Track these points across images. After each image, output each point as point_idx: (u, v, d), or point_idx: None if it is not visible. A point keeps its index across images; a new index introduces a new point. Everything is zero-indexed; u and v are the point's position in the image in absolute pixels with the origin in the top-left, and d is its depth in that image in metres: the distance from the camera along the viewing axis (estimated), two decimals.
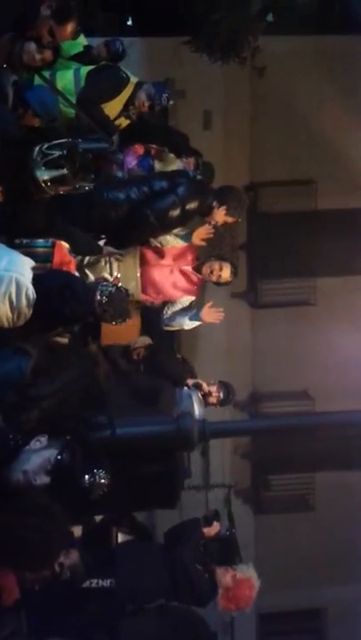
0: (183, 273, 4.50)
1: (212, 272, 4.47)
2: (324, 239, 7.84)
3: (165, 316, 4.64)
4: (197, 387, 4.49)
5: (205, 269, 4.51)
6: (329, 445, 7.07)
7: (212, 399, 4.56)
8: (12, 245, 2.98)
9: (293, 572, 7.93)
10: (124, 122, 4.86)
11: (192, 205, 4.19)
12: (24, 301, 2.64)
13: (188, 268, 4.52)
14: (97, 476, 2.33)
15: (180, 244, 4.51)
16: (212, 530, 4.16)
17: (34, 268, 2.78)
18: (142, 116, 4.89)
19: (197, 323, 4.73)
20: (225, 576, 3.90)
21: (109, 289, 3.38)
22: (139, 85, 4.71)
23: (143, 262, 4.36)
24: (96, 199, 4.07)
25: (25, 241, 3.31)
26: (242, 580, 3.93)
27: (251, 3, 6.06)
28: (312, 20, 7.24)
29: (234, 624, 7.43)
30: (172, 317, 4.65)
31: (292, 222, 7.92)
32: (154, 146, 5.13)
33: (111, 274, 4.16)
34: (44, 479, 2.21)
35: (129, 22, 8.20)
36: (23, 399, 2.60)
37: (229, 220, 4.46)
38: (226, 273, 4.51)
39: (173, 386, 4.33)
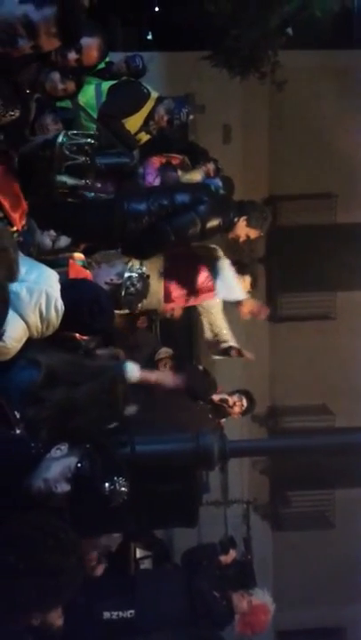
0: (202, 290, 4.47)
1: None
2: (344, 253, 7.80)
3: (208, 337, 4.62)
4: (224, 402, 4.48)
5: None
6: (350, 462, 6.98)
7: (236, 409, 4.55)
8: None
9: (312, 590, 7.83)
10: (144, 137, 4.87)
11: (213, 224, 4.14)
12: (53, 313, 2.69)
13: (209, 285, 4.49)
14: (117, 484, 2.31)
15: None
16: (229, 558, 4.24)
17: None
18: (162, 131, 4.90)
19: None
20: (241, 602, 4.02)
21: (135, 286, 3.47)
22: (159, 100, 4.72)
23: (168, 299, 4.34)
24: (117, 210, 4.05)
25: (41, 257, 3.33)
26: (258, 606, 4.04)
27: (270, 17, 6.07)
28: (331, 35, 7.23)
29: None
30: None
31: (311, 236, 7.89)
32: (175, 155, 5.11)
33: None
34: (64, 487, 2.21)
35: (149, 37, 8.28)
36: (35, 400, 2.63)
37: (251, 233, 4.34)
38: (245, 283, 4.50)
39: (195, 400, 4.32)
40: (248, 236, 4.34)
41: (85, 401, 2.74)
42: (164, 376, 3.86)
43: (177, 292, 4.37)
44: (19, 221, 2.90)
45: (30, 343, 2.72)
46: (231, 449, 2.92)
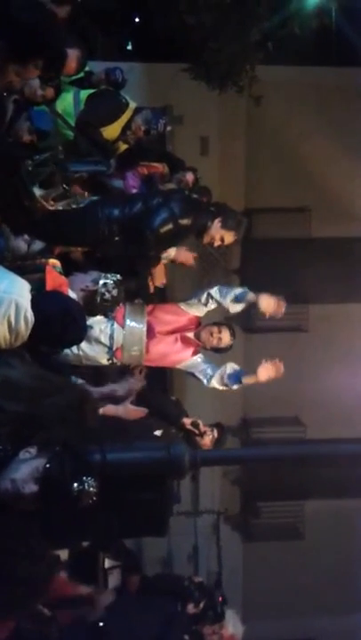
0: (183, 338, 4.40)
1: (211, 334, 4.39)
2: (318, 266, 7.89)
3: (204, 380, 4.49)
4: (195, 426, 4.46)
5: (205, 334, 4.40)
6: (320, 473, 7.03)
7: (207, 438, 4.55)
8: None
9: (282, 602, 7.84)
10: (121, 146, 4.89)
11: (186, 221, 4.07)
12: (22, 324, 2.65)
13: (190, 335, 4.43)
14: (86, 484, 2.27)
15: (198, 311, 4.44)
16: (198, 610, 4.30)
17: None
18: (140, 141, 4.93)
19: (237, 385, 4.51)
20: (212, 637, 4.15)
21: (111, 293, 3.49)
22: (138, 111, 4.76)
23: (150, 335, 4.28)
24: (90, 216, 4.04)
25: (18, 263, 3.31)
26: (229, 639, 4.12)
27: (250, 32, 6.16)
28: (309, 51, 7.36)
29: None
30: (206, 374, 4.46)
31: (285, 249, 7.98)
32: (155, 164, 5.12)
33: (112, 343, 4.14)
34: (32, 488, 2.20)
35: (129, 47, 8.33)
36: None
37: (226, 236, 4.22)
38: (225, 335, 4.42)
39: (168, 425, 4.32)
40: (223, 240, 4.25)
41: (50, 414, 2.72)
42: (128, 411, 3.80)
43: (160, 327, 4.33)
44: None
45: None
46: (202, 458, 2.92)
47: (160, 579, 5.07)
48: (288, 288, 8.00)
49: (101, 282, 3.68)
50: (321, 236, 8.05)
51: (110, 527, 3.17)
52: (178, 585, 4.69)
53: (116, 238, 4.03)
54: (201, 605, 4.38)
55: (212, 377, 4.42)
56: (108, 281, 3.71)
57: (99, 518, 2.77)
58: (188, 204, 4.21)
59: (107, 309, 3.81)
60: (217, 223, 4.19)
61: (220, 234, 4.23)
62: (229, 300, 4.40)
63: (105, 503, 2.55)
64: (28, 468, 2.23)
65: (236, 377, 4.43)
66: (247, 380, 4.43)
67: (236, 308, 4.46)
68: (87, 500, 2.26)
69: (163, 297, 5.56)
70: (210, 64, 6.32)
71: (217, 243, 4.27)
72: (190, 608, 4.33)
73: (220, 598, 4.42)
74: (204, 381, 4.46)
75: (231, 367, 4.47)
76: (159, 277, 4.59)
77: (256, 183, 7.89)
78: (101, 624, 3.82)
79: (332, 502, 7.87)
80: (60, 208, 3.50)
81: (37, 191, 3.17)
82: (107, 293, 3.68)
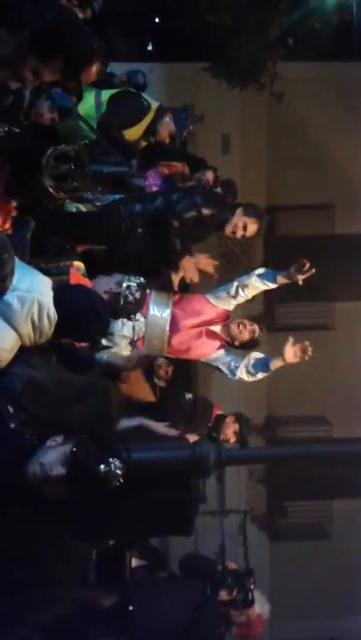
0: (209, 333, 4.33)
1: (244, 327, 4.29)
2: (342, 263, 7.83)
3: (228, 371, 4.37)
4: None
5: (235, 327, 4.29)
6: (347, 472, 6.97)
7: (231, 439, 4.65)
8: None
9: (308, 601, 7.80)
10: (142, 143, 4.91)
11: (208, 211, 4.04)
12: (46, 322, 2.68)
13: (216, 329, 4.35)
14: (112, 465, 2.36)
15: (228, 305, 4.37)
16: (230, 597, 4.30)
17: None
18: (161, 141, 4.94)
19: (264, 373, 4.32)
20: (239, 618, 4.14)
21: (134, 295, 3.49)
22: (160, 110, 4.76)
23: (174, 328, 4.22)
24: (113, 214, 4.03)
25: (42, 265, 3.34)
26: (255, 619, 4.13)
27: (270, 29, 6.14)
28: (330, 47, 7.31)
29: None
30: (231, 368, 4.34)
31: (309, 246, 7.91)
32: (177, 164, 5.13)
33: (133, 335, 4.10)
34: (60, 470, 2.27)
35: (149, 48, 8.35)
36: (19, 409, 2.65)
37: (249, 223, 4.15)
38: (256, 329, 4.34)
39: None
40: (245, 228, 4.16)
41: (77, 423, 2.76)
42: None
43: (185, 320, 4.27)
44: (1, 223, 2.94)
45: (21, 354, 2.72)
46: (227, 456, 2.91)
47: (192, 560, 5.03)
48: (312, 285, 7.97)
49: (125, 284, 3.70)
50: (345, 232, 7.99)
51: (136, 526, 3.18)
52: (210, 569, 4.66)
53: (139, 230, 4.01)
54: (234, 593, 4.37)
55: (237, 368, 4.28)
56: (131, 284, 3.73)
57: (125, 517, 2.79)
58: (210, 195, 4.22)
59: (130, 312, 3.82)
60: (239, 212, 4.14)
61: (242, 221, 4.14)
62: (255, 275, 4.30)
63: (131, 502, 2.56)
64: (55, 453, 2.30)
65: (261, 365, 4.27)
66: (274, 365, 4.23)
67: (257, 284, 4.32)
68: (114, 480, 2.33)
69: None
70: (231, 62, 6.31)
71: (239, 232, 4.16)
72: (223, 595, 4.33)
73: (252, 585, 4.41)
74: (230, 375, 4.34)
75: (255, 356, 4.31)
76: (191, 273, 4.51)
77: (279, 180, 7.85)
78: (131, 608, 3.83)
79: (359, 502, 7.79)
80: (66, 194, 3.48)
81: (48, 181, 3.19)
82: (130, 296, 3.69)
